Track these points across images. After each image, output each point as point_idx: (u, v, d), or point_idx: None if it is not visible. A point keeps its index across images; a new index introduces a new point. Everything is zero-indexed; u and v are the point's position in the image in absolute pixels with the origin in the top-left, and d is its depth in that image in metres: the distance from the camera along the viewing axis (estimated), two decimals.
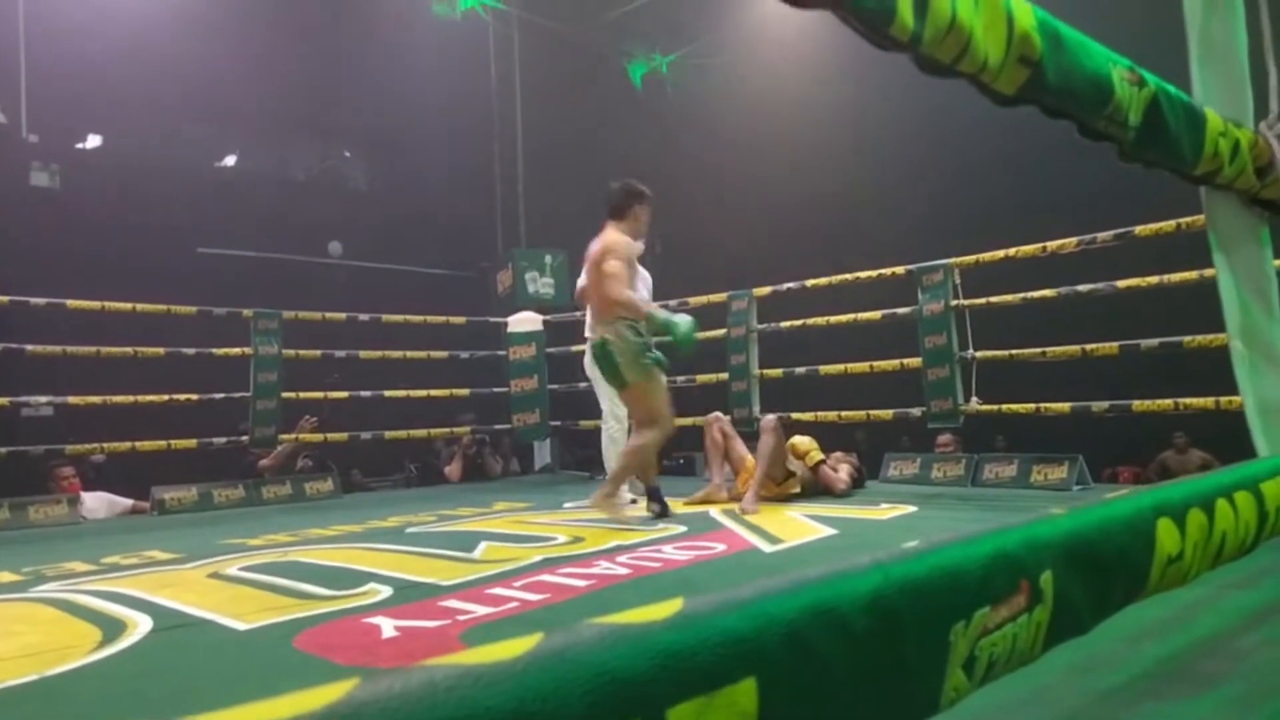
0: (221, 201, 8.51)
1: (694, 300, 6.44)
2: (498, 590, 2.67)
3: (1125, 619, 2.12)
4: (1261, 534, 0.70)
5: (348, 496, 6.21)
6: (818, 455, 4.89)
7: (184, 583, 3.07)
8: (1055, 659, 1.82)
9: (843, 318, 5.64)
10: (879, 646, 0.46)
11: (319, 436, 6.30)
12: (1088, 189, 6.35)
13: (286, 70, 8.58)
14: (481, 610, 2.41)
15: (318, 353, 6.15)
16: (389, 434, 6.46)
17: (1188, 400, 4.35)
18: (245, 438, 5.93)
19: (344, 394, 6.24)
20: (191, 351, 5.77)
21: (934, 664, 0.48)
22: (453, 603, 2.51)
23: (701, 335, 6.38)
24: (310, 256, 8.79)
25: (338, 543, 3.86)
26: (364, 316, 6.39)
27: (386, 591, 2.72)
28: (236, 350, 5.90)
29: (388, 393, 6.42)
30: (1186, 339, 4.40)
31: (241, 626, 2.36)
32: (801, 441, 4.92)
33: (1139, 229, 4.50)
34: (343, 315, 6.29)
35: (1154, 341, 4.51)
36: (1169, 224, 4.38)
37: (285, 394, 6.01)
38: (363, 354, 6.31)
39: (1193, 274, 4.28)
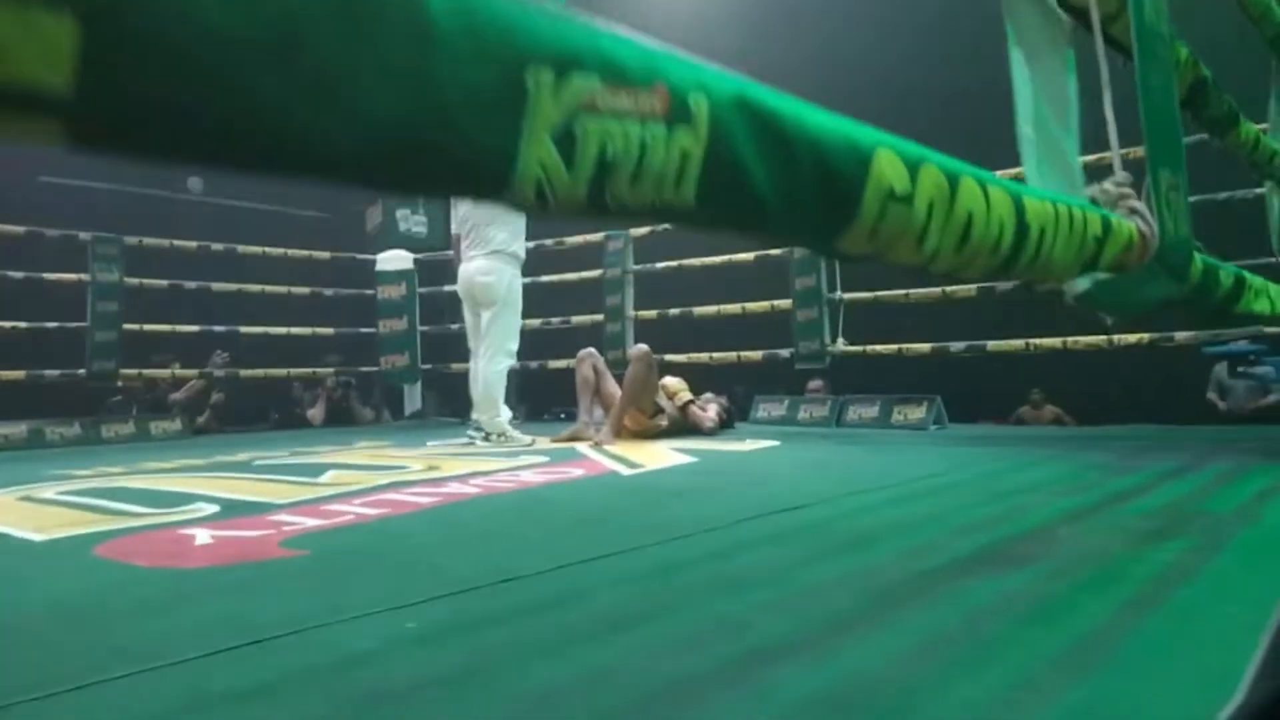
0: None
1: (570, 240, 6.34)
2: (335, 507, 2.53)
3: (953, 518, 2.17)
4: (1021, 249, 0.65)
5: (200, 438, 5.86)
6: (686, 395, 4.89)
7: None
8: (883, 546, 1.84)
9: (717, 259, 5.63)
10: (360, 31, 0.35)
11: (167, 373, 5.93)
12: (952, 135, 6.50)
13: None
14: (312, 522, 2.27)
15: (164, 283, 5.75)
16: (244, 372, 6.13)
17: (1038, 340, 4.53)
18: (82, 370, 5.51)
19: (195, 328, 5.86)
20: (19, 275, 5.30)
21: (499, 110, 0.38)
22: (282, 516, 2.36)
23: (577, 276, 6.33)
24: (169, 191, 8.20)
25: (175, 473, 3.61)
26: (217, 246, 6.00)
27: (212, 509, 2.54)
28: (72, 276, 5.46)
29: (244, 328, 6.07)
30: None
31: (39, 538, 2.15)
32: (671, 382, 4.91)
33: (998, 174, 4.62)
34: (193, 244, 5.88)
35: (1008, 285, 4.67)
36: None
37: (128, 325, 5.61)
38: (215, 286, 5.93)
39: None
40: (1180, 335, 4.26)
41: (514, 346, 4.76)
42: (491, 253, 4.61)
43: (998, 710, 0.93)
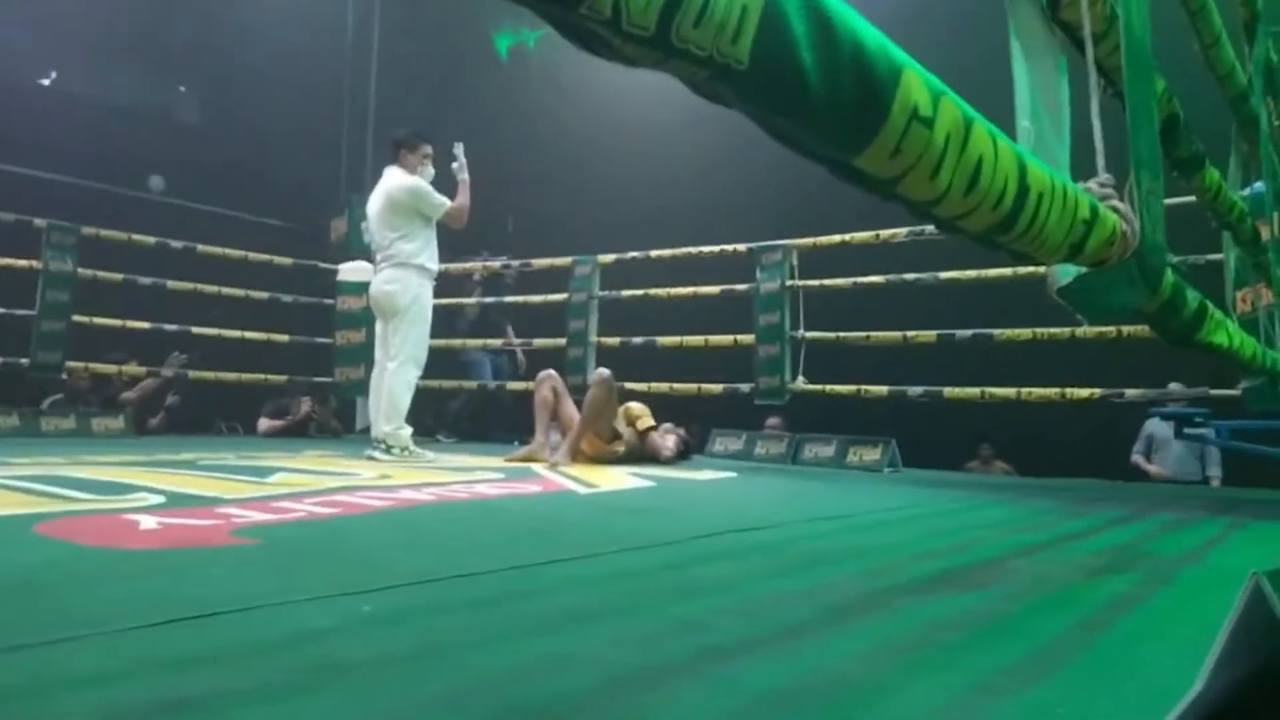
0: (32, 120, 7.66)
1: (537, 263, 6.34)
2: (285, 504, 2.47)
3: (910, 546, 2.19)
4: (1021, 209, 0.67)
5: (143, 438, 5.70)
6: (648, 421, 4.88)
7: None
8: (840, 566, 1.85)
9: (683, 290, 5.67)
10: None
11: (115, 369, 5.77)
12: None
13: None
14: (262, 516, 2.21)
15: (119, 276, 5.62)
16: (193, 374, 6.00)
17: (993, 389, 4.60)
18: (25, 360, 5.34)
19: (146, 325, 5.72)
20: None
21: None
22: (231, 510, 2.30)
23: (542, 299, 6.33)
24: (128, 189, 8.03)
25: (117, 466, 3.51)
26: (176, 244, 5.89)
27: (157, 499, 2.48)
28: (23, 262, 5.31)
29: (196, 329, 5.95)
30: (997, 332, 4.66)
31: None
32: (635, 406, 4.91)
33: None
34: (151, 240, 5.77)
35: (968, 332, 4.76)
36: None
37: (76, 317, 5.46)
38: (170, 284, 5.81)
39: (1007, 271, 4.52)
40: (1130, 392, 4.36)
41: (423, 357, 4.78)
42: (399, 264, 4.66)
43: (957, 708, 0.93)
